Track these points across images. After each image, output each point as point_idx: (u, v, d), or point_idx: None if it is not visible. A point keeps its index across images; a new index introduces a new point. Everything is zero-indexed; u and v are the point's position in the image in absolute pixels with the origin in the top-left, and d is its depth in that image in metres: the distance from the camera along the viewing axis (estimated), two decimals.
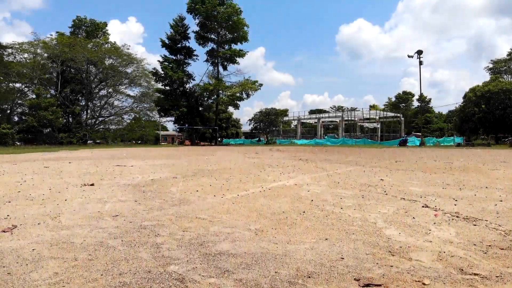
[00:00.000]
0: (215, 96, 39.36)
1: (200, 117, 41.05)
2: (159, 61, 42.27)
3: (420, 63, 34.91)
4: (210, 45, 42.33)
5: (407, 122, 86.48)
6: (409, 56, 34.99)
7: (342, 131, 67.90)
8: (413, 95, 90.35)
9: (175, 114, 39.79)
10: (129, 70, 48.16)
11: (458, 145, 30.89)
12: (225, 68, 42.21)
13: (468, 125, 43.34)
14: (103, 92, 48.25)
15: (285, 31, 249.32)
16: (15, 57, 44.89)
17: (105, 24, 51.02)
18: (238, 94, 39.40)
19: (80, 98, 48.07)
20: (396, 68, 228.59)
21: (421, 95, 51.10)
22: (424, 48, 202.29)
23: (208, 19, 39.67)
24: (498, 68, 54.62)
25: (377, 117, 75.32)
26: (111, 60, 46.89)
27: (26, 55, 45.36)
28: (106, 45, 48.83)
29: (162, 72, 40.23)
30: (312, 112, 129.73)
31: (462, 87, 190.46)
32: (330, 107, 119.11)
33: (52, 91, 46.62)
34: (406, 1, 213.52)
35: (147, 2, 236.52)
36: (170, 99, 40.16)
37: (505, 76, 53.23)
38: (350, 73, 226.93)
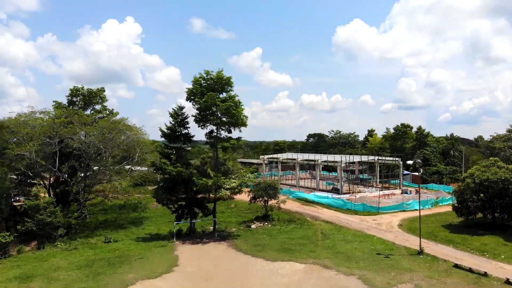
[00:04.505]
0: (214, 188, 39.24)
1: (198, 205, 41.17)
2: (158, 151, 41.91)
3: (418, 171, 34.76)
4: (209, 127, 42.18)
5: (406, 154, 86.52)
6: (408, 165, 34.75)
7: (341, 178, 68.13)
8: (411, 128, 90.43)
9: (173, 208, 39.92)
10: (123, 137, 47.70)
11: (456, 265, 31.02)
12: (224, 150, 42.17)
13: (466, 210, 43.72)
14: (99, 166, 47.80)
15: (282, 32, 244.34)
16: (12, 132, 44.31)
17: (103, 90, 50.03)
18: (237, 189, 39.45)
19: (77, 169, 47.66)
20: (393, 68, 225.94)
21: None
22: (420, 49, 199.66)
23: (207, 108, 39.48)
24: (497, 148, 53.65)
25: (376, 159, 75.77)
26: (110, 134, 46.16)
27: (22, 130, 44.56)
28: (102, 115, 48.36)
29: (160, 164, 39.96)
30: (310, 136, 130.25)
31: (458, 87, 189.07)
32: (329, 131, 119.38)
33: (50, 152, 46.28)
34: (401, 3, 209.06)
35: (145, 2, 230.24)
36: (168, 190, 39.97)
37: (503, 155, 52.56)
38: (348, 74, 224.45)
